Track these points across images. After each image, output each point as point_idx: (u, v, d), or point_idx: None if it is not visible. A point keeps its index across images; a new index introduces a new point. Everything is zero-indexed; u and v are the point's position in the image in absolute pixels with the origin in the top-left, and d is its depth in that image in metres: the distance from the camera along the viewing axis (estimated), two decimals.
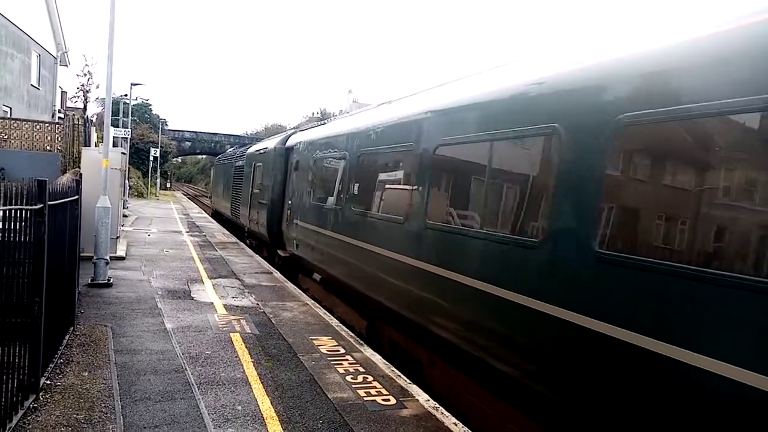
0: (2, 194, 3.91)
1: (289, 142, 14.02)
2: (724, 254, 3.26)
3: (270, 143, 16.21)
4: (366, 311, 8.71)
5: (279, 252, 13.79)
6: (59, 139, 19.75)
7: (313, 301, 9.79)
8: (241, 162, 20.55)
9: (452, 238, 5.82)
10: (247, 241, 18.29)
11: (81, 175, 9.33)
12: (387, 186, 7.72)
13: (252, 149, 19.49)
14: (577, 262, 4.12)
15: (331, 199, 9.87)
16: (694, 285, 3.27)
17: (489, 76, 6.02)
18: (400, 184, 7.29)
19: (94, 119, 32.71)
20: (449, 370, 6.25)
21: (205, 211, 33.48)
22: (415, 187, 6.66)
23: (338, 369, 6.30)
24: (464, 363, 5.79)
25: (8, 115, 22.06)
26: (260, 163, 16.50)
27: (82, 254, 8.76)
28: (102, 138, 16.18)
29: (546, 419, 4.68)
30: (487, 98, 5.68)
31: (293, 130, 16.43)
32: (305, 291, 11.14)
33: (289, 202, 12.91)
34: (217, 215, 28.19)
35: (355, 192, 8.68)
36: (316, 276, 11.31)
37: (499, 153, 5.28)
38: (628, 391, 3.69)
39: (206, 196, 48.74)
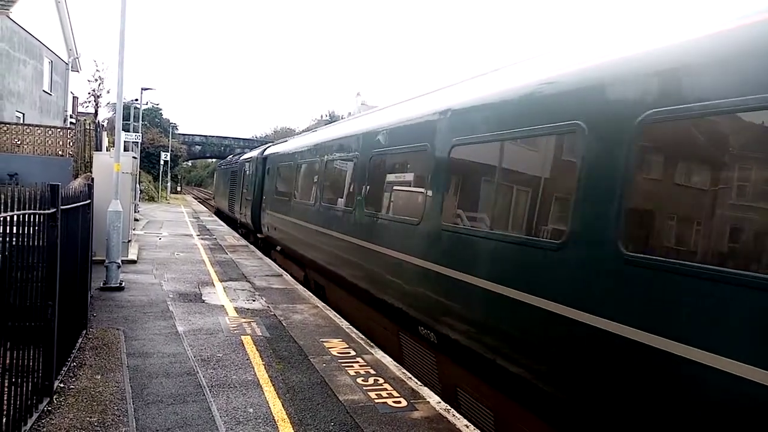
0: (16, 199, 3.95)
1: (266, 153, 18.28)
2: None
3: (254, 153, 20.79)
4: (302, 264, 12.56)
5: (258, 235, 18.30)
6: (71, 144, 19.97)
7: (323, 304, 9.81)
8: (235, 168, 25.09)
9: (330, 211, 10.04)
10: (240, 230, 22.42)
11: (93, 179, 9.42)
12: (309, 182, 12.06)
13: (243, 158, 24.09)
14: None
15: (282, 193, 14.70)
16: None
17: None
18: (312, 180, 11.77)
19: (105, 124, 32.95)
20: (335, 287, 9.99)
21: (214, 214, 33.80)
22: (316, 182, 11.34)
23: (349, 371, 6.30)
24: (339, 282, 9.51)
25: (21, 121, 22.30)
26: (247, 169, 20.93)
27: (94, 258, 8.81)
28: (113, 142, 16.31)
29: (380, 307, 7.67)
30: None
31: (270, 144, 21.49)
32: (274, 260, 15.05)
33: (263, 197, 17.39)
34: (218, 212, 32.89)
35: (294, 187, 13.40)
36: (278, 248, 15.13)
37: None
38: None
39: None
